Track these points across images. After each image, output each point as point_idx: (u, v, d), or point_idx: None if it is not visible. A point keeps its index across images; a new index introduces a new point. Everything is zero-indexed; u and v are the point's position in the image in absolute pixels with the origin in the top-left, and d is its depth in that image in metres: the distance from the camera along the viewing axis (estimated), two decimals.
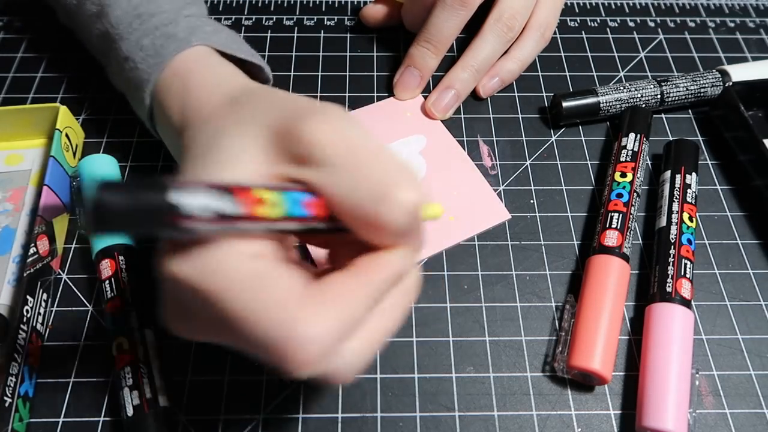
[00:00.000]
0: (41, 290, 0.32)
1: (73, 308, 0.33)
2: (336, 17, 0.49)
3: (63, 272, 0.35)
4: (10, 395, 0.28)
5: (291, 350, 0.20)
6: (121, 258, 0.32)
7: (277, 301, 0.20)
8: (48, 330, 0.33)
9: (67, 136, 0.37)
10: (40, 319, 0.32)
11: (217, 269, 0.20)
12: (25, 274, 0.31)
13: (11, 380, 0.28)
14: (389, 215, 0.21)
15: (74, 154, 0.38)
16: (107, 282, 0.32)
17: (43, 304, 0.32)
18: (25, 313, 0.30)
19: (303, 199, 0.21)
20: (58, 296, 0.34)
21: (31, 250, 0.32)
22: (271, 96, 0.26)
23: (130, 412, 0.28)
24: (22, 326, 0.30)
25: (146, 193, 0.17)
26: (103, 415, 0.30)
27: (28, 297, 0.31)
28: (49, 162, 0.35)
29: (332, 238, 0.24)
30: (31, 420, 0.30)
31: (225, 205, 0.19)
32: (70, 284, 0.34)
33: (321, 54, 0.46)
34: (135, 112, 0.35)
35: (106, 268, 0.32)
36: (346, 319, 0.21)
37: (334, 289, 0.21)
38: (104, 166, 0.36)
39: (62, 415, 0.30)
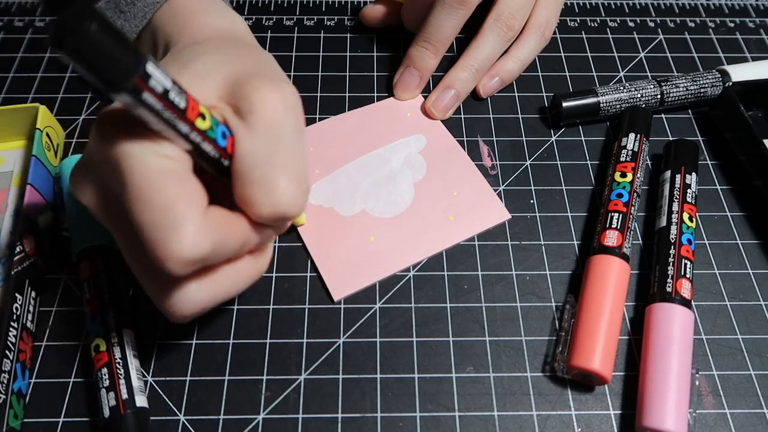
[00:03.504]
0: (30, 288, 0.32)
1: (73, 308, 0.33)
2: (336, 17, 0.49)
3: (63, 273, 0.35)
4: (3, 392, 0.28)
5: (171, 239, 0.22)
6: (99, 260, 0.32)
7: (176, 195, 0.22)
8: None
9: (48, 135, 0.37)
10: (30, 317, 0.32)
11: (138, 151, 0.22)
12: (12, 273, 0.31)
13: (4, 377, 0.29)
14: (262, 205, 0.24)
15: (56, 153, 0.38)
16: (86, 283, 0.32)
17: (32, 301, 0.32)
18: (14, 311, 0.30)
19: (227, 133, 0.25)
20: (57, 296, 0.34)
21: (18, 248, 0.32)
22: (257, 52, 0.29)
23: (106, 413, 0.28)
24: (12, 324, 0.30)
25: (126, 46, 0.19)
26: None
27: (17, 295, 0.31)
28: (31, 161, 0.35)
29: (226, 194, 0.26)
30: (31, 420, 0.30)
31: (177, 98, 0.21)
32: (70, 284, 0.34)
33: (321, 54, 0.46)
34: None
35: (85, 269, 0.32)
36: (220, 244, 0.24)
37: (223, 216, 0.24)
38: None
39: (62, 415, 0.30)
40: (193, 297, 0.25)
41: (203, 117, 0.23)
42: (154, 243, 0.22)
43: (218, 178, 0.26)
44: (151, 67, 0.20)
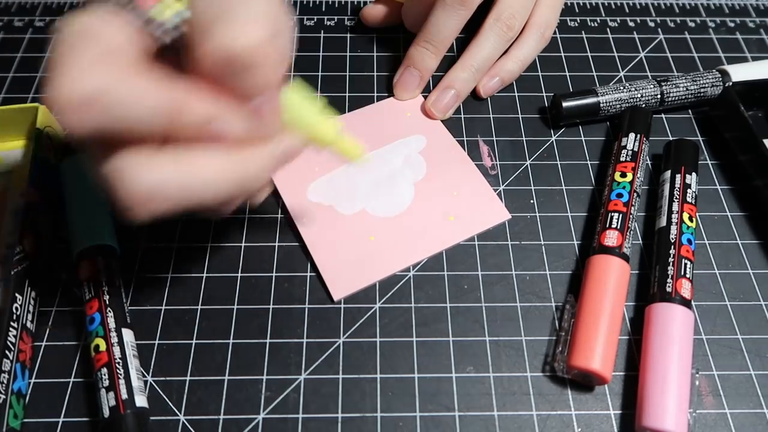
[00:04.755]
0: (30, 288, 0.32)
1: (73, 308, 0.33)
2: (336, 17, 0.49)
3: (63, 273, 0.35)
4: (3, 392, 0.28)
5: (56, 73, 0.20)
6: (99, 260, 0.32)
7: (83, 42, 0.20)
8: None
9: (48, 135, 0.37)
10: (30, 317, 0.32)
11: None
12: (12, 273, 0.31)
13: (4, 377, 0.29)
14: (210, 43, 0.20)
15: (56, 153, 0.38)
16: (86, 283, 0.32)
17: (32, 301, 0.32)
18: (14, 311, 0.30)
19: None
20: (57, 296, 0.34)
21: (18, 248, 0.32)
22: None
23: (106, 413, 0.28)
24: (12, 324, 0.30)
25: None
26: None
27: (16, 295, 0.31)
28: (31, 161, 0.35)
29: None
30: (31, 420, 0.30)
31: None
32: (70, 285, 0.34)
33: (321, 54, 0.46)
34: None
35: (85, 269, 0.32)
36: (118, 89, 0.20)
37: (146, 74, 0.21)
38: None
39: (62, 415, 0.30)
40: (147, 171, 0.21)
41: None
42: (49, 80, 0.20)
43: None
44: None
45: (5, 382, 0.29)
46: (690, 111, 0.44)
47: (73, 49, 0.20)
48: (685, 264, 0.33)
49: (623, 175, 0.37)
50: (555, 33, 0.48)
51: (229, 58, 0.21)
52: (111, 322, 0.31)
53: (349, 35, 0.48)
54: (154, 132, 0.21)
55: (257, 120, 0.23)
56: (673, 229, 0.35)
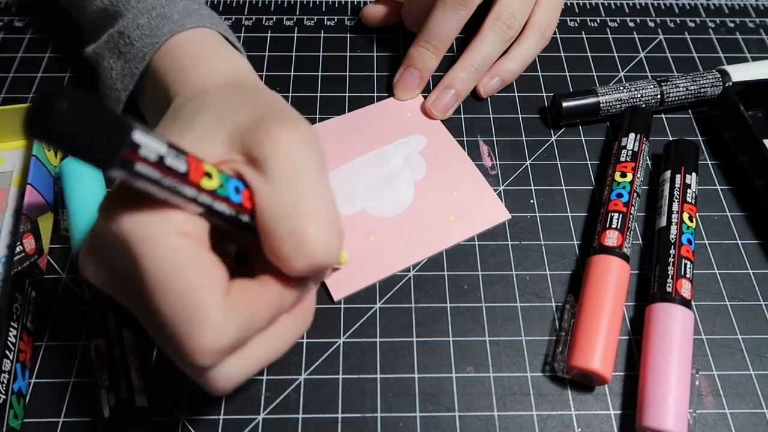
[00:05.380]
0: (30, 288, 0.32)
1: (73, 308, 0.33)
2: (336, 17, 0.49)
3: (63, 273, 0.35)
4: (3, 392, 0.28)
5: (196, 332, 0.20)
6: None
7: (196, 282, 0.21)
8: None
9: None
10: (30, 317, 0.32)
11: (150, 232, 0.21)
12: (12, 272, 0.31)
13: (4, 377, 0.29)
14: (292, 258, 0.22)
15: (56, 153, 0.38)
16: (86, 283, 0.32)
17: (32, 301, 0.32)
18: (14, 311, 0.30)
19: (240, 187, 0.23)
20: (57, 296, 0.34)
21: (18, 249, 0.32)
22: (261, 95, 0.28)
23: (107, 413, 0.28)
24: (12, 324, 0.30)
25: (108, 118, 0.17)
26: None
27: (16, 295, 0.31)
28: (31, 161, 0.35)
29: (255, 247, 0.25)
30: (31, 420, 0.30)
31: (175, 162, 0.20)
32: (70, 284, 0.34)
33: (321, 54, 0.46)
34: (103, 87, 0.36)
35: None
36: (249, 323, 0.22)
37: (246, 294, 0.22)
38: (87, 166, 0.36)
39: (62, 415, 0.30)
40: (229, 373, 0.23)
41: (209, 176, 0.21)
42: (178, 336, 0.21)
43: (241, 235, 0.24)
44: (139, 135, 0.18)
45: (5, 382, 0.29)
46: (690, 111, 0.44)
47: (192, 289, 0.21)
48: (685, 264, 0.33)
49: (623, 175, 0.37)
50: (555, 33, 0.47)
51: (310, 271, 0.23)
52: (111, 322, 0.31)
53: (349, 35, 0.48)
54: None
55: (321, 278, 0.26)
56: (673, 229, 0.35)
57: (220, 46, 0.33)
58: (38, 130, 0.16)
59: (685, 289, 0.32)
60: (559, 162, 0.40)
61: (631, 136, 0.39)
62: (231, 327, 0.21)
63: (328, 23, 0.48)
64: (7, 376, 0.29)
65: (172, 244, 0.21)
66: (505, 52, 0.42)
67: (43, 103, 0.16)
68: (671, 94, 0.42)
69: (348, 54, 0.46)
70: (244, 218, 0.23)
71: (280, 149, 0.23)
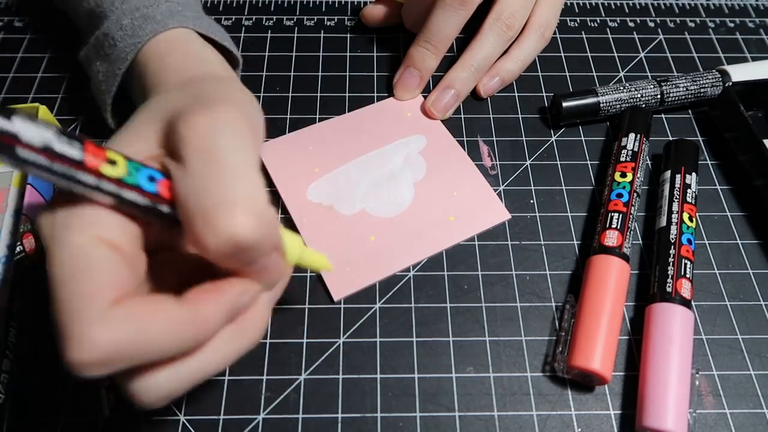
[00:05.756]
0: (30, 288, 0.32)
1: None
2: (336, 17, 0.49)
3: None
4: (3, 392, 0.28)
5: (71, 342, 0.20)
6: None
7: (84, 291, 0.20)
8: None
9: None
10: (29, 317, 0.32)
11: (57, 230, 0.21)
12: (12, 272, 0.31)
13: (4, 377, 0.29)
14: (207, 238, 0.21)
15: None
16: None
17: (32, 302, 0.32)
18: (14, 311, 0.30)
19: (156, 176, 0.22)
20: None
21: (18, 249, 0.32)
22: (210, 85, 0.28)
23: (107, 413, 0.28)
24: (12, 324, 0.30)
25: None
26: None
27: (16, 295, 0.31)
28: None
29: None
30: (31, 420, 0.30)
31: (66, 148, 0.20)
32: None
33: (321, 54, 0.46)
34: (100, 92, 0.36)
35: None
36: (134, 341, 0.20)
37: (139, 307, 0.21)
38: None
39: (62, 415, 0.30)
40: (153, 385, 0.21)
41: (113, 163, 0.21)
42: (60, 344, 0.20)
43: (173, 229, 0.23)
44: (20, 123, 0.19)
45: (5, 382, 0.29)
46: (690, 111, 0.44)
47: (72, 298, 0.20)
48: (685, 264, 0.33)
49: (623, 175, 0.37)
50: (555, 33, 0.48)
51: (228, 253, 0.21)
52: None
53: (349, 35, 0.48)
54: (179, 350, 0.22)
55: (266, 278, 0.24)
56: (673, 229, 0.35)
57: (197, 45, 0.34)
58: None
59: (685, 289, 0.32)
60: (559, 162, 0.40)
61: (631, 136, 0.39)
62: (106, 340, 0.20)
63: (328, 23, 0.48)
64: (6, 376, 0.29)
65: (75, 245, 0.20)
66: (505, 52, 0.42)
67: None
68: (671, 94, 0.42)
69: (348, 54, 0.46)
70: (163, 209, 0.22)
71: (193, 135, 0.22)
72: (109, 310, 0.20)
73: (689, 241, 0.34)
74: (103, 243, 0.21)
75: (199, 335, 0.22)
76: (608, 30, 0.49)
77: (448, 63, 0.43)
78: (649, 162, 0.41)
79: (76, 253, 0.20)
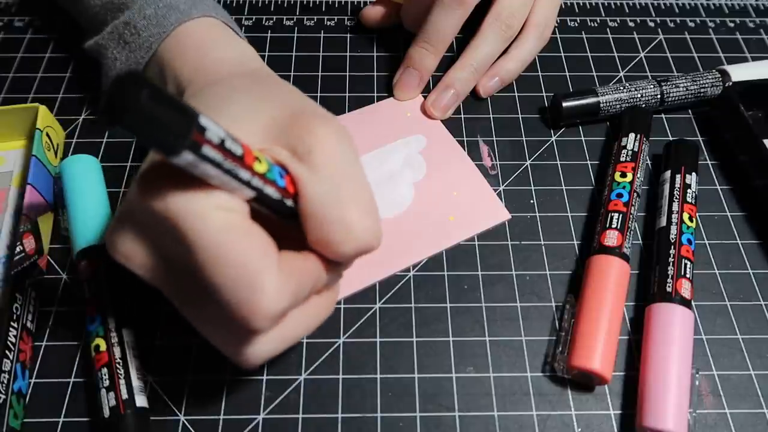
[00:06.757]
0: (30, 288, 0.32)
1: (73, 308, 0.33)
2: (336, 17, 0.49)
3: (63, 273, 0.35)
4: (3, 392, 0.28)
5: (256, 297, 0.21)
6: (99, 260, 0.32)
7: (251, 251, 0.21)
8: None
9: (48, 135, 0.37)
10: (30, 317, 0.32)
11: (198, 207, 0.21)
12: (12, 272, 0.31)
13: (4, 377, 0.29)
14: (341, 243, 0.23)
15: (56, 153, 0.38)
16: (86, 283, 0.32)
17: (32, 301, 0.32)
18: (14, 311, 0.30)
19: (282, 172, 0.24)
20: (57, 296, 0.34)
21: (18, 249, 0.32)
22: (283, 87, 0.29)
23: (106, 413, 0.28)
24: (12, 324, 0.30)
25: (178, 106, 0.18)
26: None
27: (16, 295, 0.31)
28: (31, 161, 0.35)
29: (284, 234, 0.25)
30: (31, 420, 0.30)
31: (233, 145, 0.20)
32: (70, 284, 0.34)
33: (321, 54, 0.46)
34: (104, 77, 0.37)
35: (85, 269, 0.32)
36: (298, 293, 0.23)
37: (294, 263, 0.23)
38: (87, 166, 0.36)
39: (62, 415, 0.30)
40: (265, 347, 0.24)
41: (258, 160, 0.22)
42: (236, 303, 0.21)
43: (281, 221, 0.25)
44: (204, 120, 0.19)
45: (5, 382, 0.29)
46: (690, 111, 0.44)
47: (246, 258, 0.21)
48: (685, 264, 0.33)
49: (623, 175, 0.37)
50: (555, 33, 0.47)
51: (356, 255, 0.24)
52: (111, 322, 0.31)
53: (349, 35, 0.48)
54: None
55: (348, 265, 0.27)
56: (673, 229, 0.35)
57: (227, 34, 0.34)
58: (119, 118, 0.17)
59: (685, 289, 0.32)
60: (559, 162, 0.40)
61: (631, 136, 0.39)
62: (285, 291, 0.22)
63: (328, 23, 0.48)
64: (7, 376, 0.29)
65: (220, 218, 0.21)
66: (505, 52, 0.42)
67: (124, 92, 0.16)
68: (671, 94, 0.42)
69: (348, 54, 0.46)
70: (288, 203, 0.24)
71: (323, 144, 0.24)
72: (280, 264, 0.22)
73: (689, 241, 0.34)
74: (241, 216, 0.22)
75: (313, 291, 0.25)
76: (608, 30, 0.49)
77: (447, 63, 0.43)
78: (649, 162, 0.41)
79: (227, 227, 0.21)
